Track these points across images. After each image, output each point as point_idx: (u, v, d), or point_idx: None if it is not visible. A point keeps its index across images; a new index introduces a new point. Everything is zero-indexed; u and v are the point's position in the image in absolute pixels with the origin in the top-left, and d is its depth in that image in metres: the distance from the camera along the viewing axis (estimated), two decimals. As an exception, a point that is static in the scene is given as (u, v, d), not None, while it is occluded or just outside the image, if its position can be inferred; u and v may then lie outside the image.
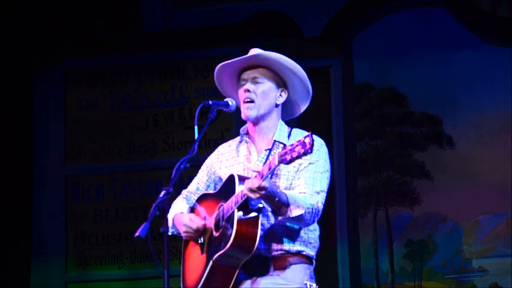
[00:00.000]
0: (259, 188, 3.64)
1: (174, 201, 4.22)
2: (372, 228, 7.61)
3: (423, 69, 7.68)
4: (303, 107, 4.12)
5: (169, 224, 4.04)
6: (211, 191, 4.12)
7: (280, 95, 4.04)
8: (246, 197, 3.72)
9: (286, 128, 4.06)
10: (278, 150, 3.89)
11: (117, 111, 7.92)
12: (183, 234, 4.01)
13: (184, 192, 4.23)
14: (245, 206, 3.77)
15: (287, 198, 3.76)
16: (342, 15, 7.65)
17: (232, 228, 3.74)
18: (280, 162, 3.59)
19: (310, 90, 4.06)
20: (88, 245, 7.77)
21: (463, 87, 7.60)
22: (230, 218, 3.79)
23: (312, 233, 3.98)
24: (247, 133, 4.10)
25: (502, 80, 7.49)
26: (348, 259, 7.35)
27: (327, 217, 7.01)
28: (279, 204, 3.73)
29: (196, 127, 3.94)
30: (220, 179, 4.09)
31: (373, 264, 7.57)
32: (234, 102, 4.02)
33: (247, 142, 4.08)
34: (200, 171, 4.20)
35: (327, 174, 3.96)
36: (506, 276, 7.32)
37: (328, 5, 7.65)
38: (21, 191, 7.79)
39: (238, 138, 4.14)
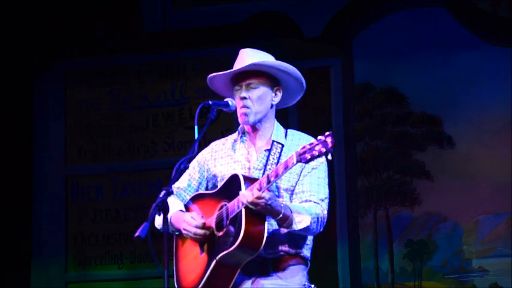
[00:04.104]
0: (258, 198, 3.66)
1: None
2: (372, 228, 7.61)
3: (423, 69, 7.68)
4: (296, 99, 4.14)
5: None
6: (206, 191, 4.11)
7: (276, 94, 4.05)
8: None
9: (282, 129, 4.08)
10: (277, 150, 3.92)
11: (117, 111, 7.91)
12: (183, 232, 3.97)
13: (173, 188, 4.20)
14: None
15: (291, 212, 3.77)
16: (342, 15, 7.65)
17: (240, 227, 3.73)
18: (298, 161, 3.59)
19: (304, 85, 4.07)
20: (88, 245, 7.77)
21: (463, 87, 7.60)
22: (237, 217, 3.78)
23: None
24: (244, 132, 4.10)
25: (502, 80, 7.49)
26: (348, 259, 7.34)
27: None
28: (284, 218, 3.75)
29: (196, 127, 3.95)
30: (215, 176, 4.08)
31: (373, 264, 7.56)
32: (233, 102, 4.01)
33: (244, 141, 4.07)
34: (191, 167, 4.15)
35: (327, 179, 4.00)
36: (506, 276, 7.32)
37: (328, 5, 7.65)
38: (21, 191, 7.79)
39: (233, 136, 4.13)
